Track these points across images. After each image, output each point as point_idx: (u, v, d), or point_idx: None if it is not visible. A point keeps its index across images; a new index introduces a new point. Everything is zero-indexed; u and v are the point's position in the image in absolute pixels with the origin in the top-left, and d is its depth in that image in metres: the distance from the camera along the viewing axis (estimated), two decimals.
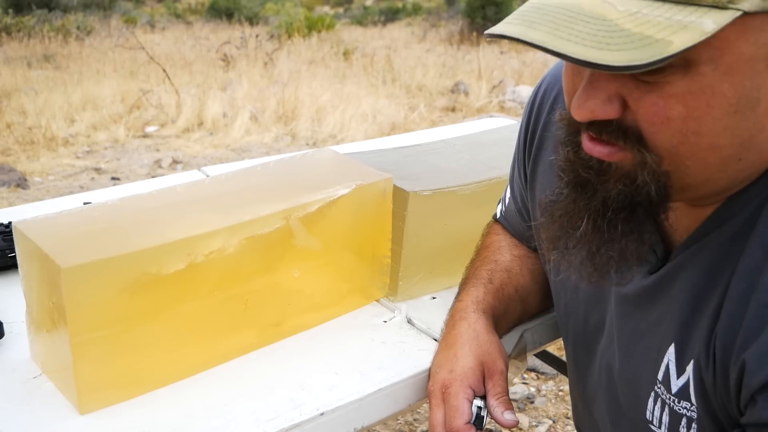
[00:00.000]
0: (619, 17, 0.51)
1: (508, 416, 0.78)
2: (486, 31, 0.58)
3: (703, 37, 0.49)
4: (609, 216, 0.61)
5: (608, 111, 0.57)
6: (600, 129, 0.59)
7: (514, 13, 0.58)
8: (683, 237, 0.67)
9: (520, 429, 2.10)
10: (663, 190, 0.59)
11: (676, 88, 0.54)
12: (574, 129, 0.63)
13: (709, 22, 0.49)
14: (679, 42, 0.49)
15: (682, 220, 0.67)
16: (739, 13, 0.50)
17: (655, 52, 0.49)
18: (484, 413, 0.78)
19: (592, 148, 0.60)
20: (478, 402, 0.78)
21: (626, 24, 0.51)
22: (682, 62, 0.53)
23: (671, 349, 0.67)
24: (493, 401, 0.79)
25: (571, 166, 0.64)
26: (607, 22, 0.51)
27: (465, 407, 0.77)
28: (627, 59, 0.49)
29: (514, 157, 0.95)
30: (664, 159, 0.57)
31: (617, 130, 0.58)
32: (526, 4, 0.58)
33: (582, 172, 0.62)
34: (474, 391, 0.79)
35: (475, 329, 0.84)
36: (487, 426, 0.80)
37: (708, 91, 0.53)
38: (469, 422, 0.77)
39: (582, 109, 0.58)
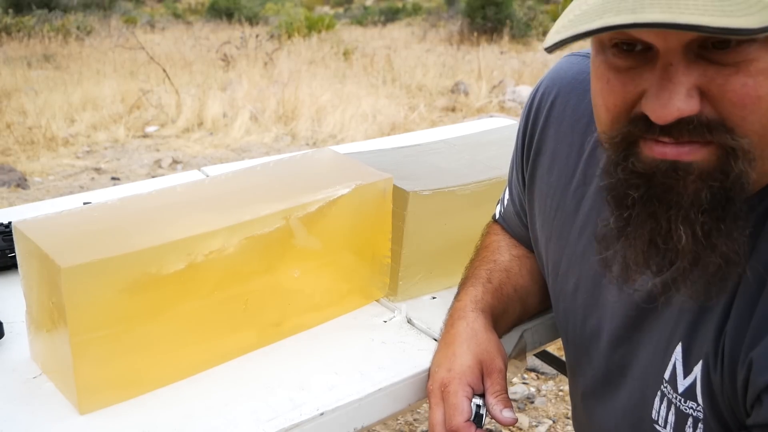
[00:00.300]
0: None
1: (507, 414, 0.77)
2: (569, 33, 0.52)
3: None
4: (702, 220, 0.56)
5: (692, 105, 0.54)
6: (680, 130, 0.55)
7: (585, 11, 0.53)
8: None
9: (520, 429, 2.09)
10: (751, 178, 0.56)
11: (763, 63, 0.52)
12: (628, 143, 0.59)
13: None
14: None
15: None
16: None
17: None
18: (483, 411, 0.78)
19: (663, 150, 0.56)
20: (477, 400, 0.78)
21: None
22: (764, 38, 0.51)
23: (678, 348, 0.67)
24: (491, 399, 0.79)
25: (641, 178, 0.58)
26: None
27: (464, 405, 0.77)
28: (761, 21, 0.47)
29: (513, 160, 0.95)
30: (753, 142, 0.55)
31: (699, 126, 0.55)
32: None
33: (660, 180, 0.57)
34: (473, 389, 0.79)
35: (473, 328, 0.84)
36: (488, 426, 0.80)
37: None
38: (468, 420, 0.77)
39: (667, 109, 0.54)
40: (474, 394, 0.79)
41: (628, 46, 0.57)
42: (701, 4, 0.48)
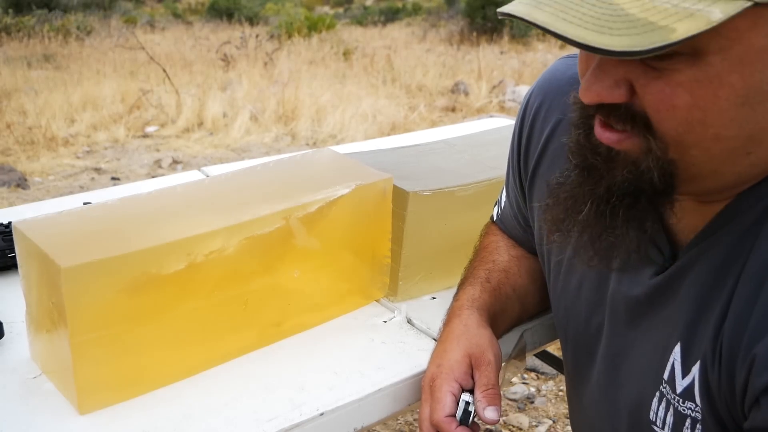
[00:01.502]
0: (626, 1, 0.51)
1: (489, 414, 0.76)
2: (498, 9, 0.58)
3: (708, 26, 0.48)
4: (613, 202, 0.62)
5: (614, 95, 0.57)
6: (608, 113, 0.59)
7: None
8: (690, 237, 0.66)
9: (520, 429, 2.09)
10: (667, 178, 0.59)
11: (683, 76, 0.53)
12: (588, 112, 0.63)
13: (716, 12, 0.48)
14: (683, 30, 0.48)
15: (689, 219, 0.67)
16: (749, 4, 0.48)
17: (657, 38, 0.48)
18: (471, 409, 0.77)
19: (602, 134, 0.61)
20: (466, 397, 0.77)
21: (632, 9, 0.50)
22: (690, 50, 0.52)
23: (677, 349, 0.67)
24: (479, 394, 0.78)
25: (580, 150, 0.64)
26: (612, 6, 0.51)
27: (447, 400, 0.77)
28: (627, 44, 0.49)
29: (509, 163, 0.95)
30: (669, 146, 0.57)
31: (625, 114, 0.58)
32: None
33: (590, 157, 0.63)
34: (461, 384, 0.79)
35: (466, 324, 0.84)
36: (487, 426, 0.80)
37: (716, 81, 0.53)
38: (451, 415, 0.76)
39: (589, 92, 0.58)
40: (464, 390, 0.78)
41: None
42: (590, 15, 0.51)
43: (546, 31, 0.52)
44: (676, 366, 0.67)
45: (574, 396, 0.90)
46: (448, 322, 0.86)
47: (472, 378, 0.80)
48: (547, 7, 0.53)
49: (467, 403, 0.77)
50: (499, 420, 0.78)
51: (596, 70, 0.57)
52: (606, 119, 0.60)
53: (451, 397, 0.77)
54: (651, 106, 0.56)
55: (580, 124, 0.64)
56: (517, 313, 0.95)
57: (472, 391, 0.79)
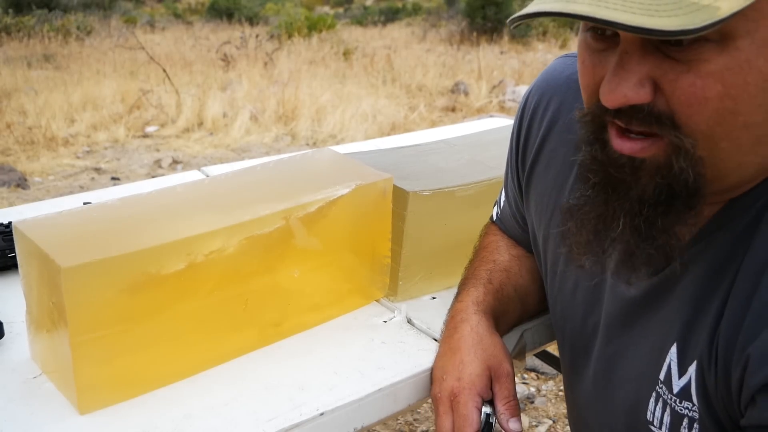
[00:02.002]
0: None
1: (513, 425, 0.78)
2: (517, 14, 0.56)
3: (748, 2, 0.48)
4: (646, 213, 0.60)
5: (641, 95, 0.55)
6: (630, 116, 0.57)
7: None
8: (686, 238, 0.66)
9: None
10: (699, 178, 0.58)
11: (714, 65, 0.53)
12: (599, 125, 0.61)
13: None
14: (726, 7, 0.48)
15: None
16: None
17: (706, 16, 0.48)
18: (492, 420, 0.78)
19: (622, 145, 0.59)
20: (486, 409, 0.78)
21: None
22: (720, 37, 0.52)
23: (673, 349, 0.67)
24: (500, 407, 0.79)
25: (600, 166, 0.62)
26: None
27: (474, 416, 0.77)
28: (680, 24, 0.48)
29: (507, 163, 0.95)
30: (699, 142, 0.56)
31: (649, 116, 0.56)
32: None
33: (614, 172, 0.60)
34: (482, 397, 0.79)
35: (478, 332, 0.83)
36: None
37: (746, 66, 0.52)
38: (478, 430, 0.77)
39: (614, 94, 0.56)
40: (483, 402, 0.79)
41: (599, 31, 0.59)
42: (631, 0, 0.50)
43: (591, 21, 0.50)
44: (672, 366, 0.67)
45: (570, 395, 0.91)
46: (455, 326, 0.86)
47: (492, 389, 0.81)
48: (582, 0, 0.51)
49: (488, 415, 0.78)
50: (522, 430, 0.78)
51: (618, 71, 0.56)
52: (627, 124, 0.58)
53: (477, 413, 0.77)
54: (682, 101, 0.55)
55: (593, 139, 0.62)
56: (519, 313, 0.95)
57: (490, 402, 0.79)
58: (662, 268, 0.68)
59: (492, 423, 0.77)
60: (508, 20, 0.58)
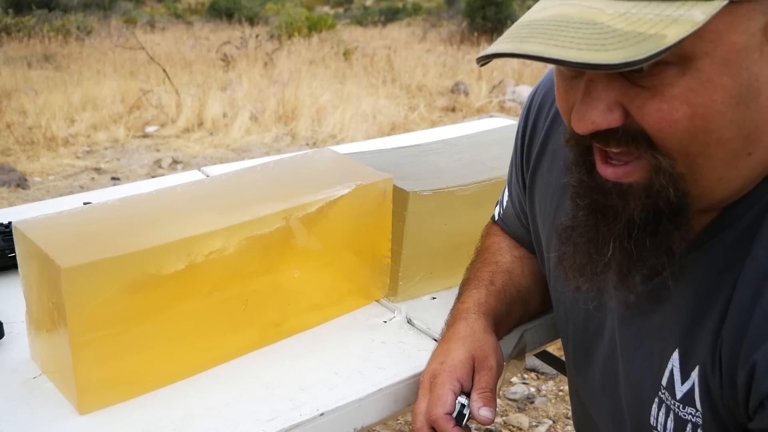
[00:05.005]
0: (609, 19, 0.51)
1: (484, 412, 0.77)
2: (478, 55, 0.58)
3: (695, 28, 0.49)
4: (635, 235, 0.61)
5: (610, 120, 0.57)
6: (606, 139, 0.58)
7: (503, 35, 0.58)
8: (683, 244, 0.66)
9: (520, 429, 2.09)
10: (681, 195, 0.59)
11: (678, 88, 0.54)
12: (584, 148, 0.62)
13: (698, 14, 0.49)
14: (673, 34, 0.49)
15: None
16: (725, 2, 0.50)
17: (652, 46, 0.49)
18: (466, 411, 0.77)
19: (605, 171, 0.60)
20: (462, 399, 0.77)
21: (618, 24, 0.51)
22: (679, 60, 0.53)
23: (675, 355, 0.67)
24: (475, 395, 0.78)
25: (587, 191, 0.63)
26: (598, 25, 0.51)
27: (449, 398, 0.77)
28: (625, 56, 0.49)
29: (512, 161, 0.95)
30: (677, 160, 0.57)
31: (624, 136, 0.57)
32: (513, 26, 0.58)
33: (601, 198, 0.62)
34: (462, 385, 0.79)
35: (473, 328, 0.84)
36: (487, 426, 0.80)
37: (709, 85, 0.53)
38: (449, 414, 0.76)
39: (583, 122, 0.57)
40: (462, 392, 0.78)
41: None
42: (579, 37, 0.51)
43: (540, 60, 0.52)
44: (675, 372, 0.67)
45: (575, 395, 0.91)
46: (453, 323, 0.86)
47: (472, 380, 0.80)
48: (533, 39, 0.53)
49: (462, 406, 0.77)
50: (493, 420, 0.78)
51: (586, 98, 0.57)
52: (606, 146, 0.59)
53: (452, 396, 0.77)
54: (652, 126, 0.56)
55: (580, 162, 0.63)
56: (521, 314, 0.95)
57: (469, 394, 0.79)
58: (596, 277, 0.68)
59: (465, 414, 0.77)
60: (476, 59, 0.59)
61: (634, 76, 0.55)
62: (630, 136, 0.57)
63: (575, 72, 0.60)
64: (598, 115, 0.57)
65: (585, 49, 0.50)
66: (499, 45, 0.56)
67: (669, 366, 0.67)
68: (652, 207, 0.59)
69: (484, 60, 0.57)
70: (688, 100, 0.54)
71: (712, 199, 0.61)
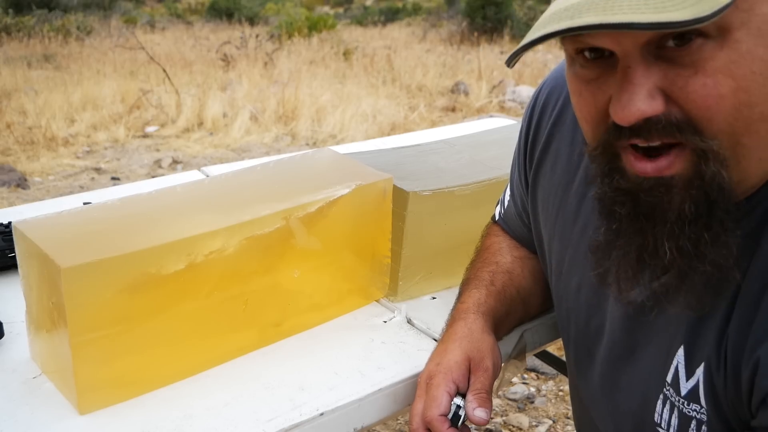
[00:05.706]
0: None
1: (478, 413, 0.76)
2: (523, 42, 0.54)
3: None
4: (689, 232, 0.57)
5: (654, 106, 0.54)
6: (649, 131, 0.55)
7: (542, 19, 0.55)
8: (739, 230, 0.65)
9: (520, 429, 2.09)
10: (729, 180, 0.56)
11: (719, 61, 0.52)
12: (611, 155, 0.60)
13: None
14: None
15: None
16: None
17: (712, 4, 0.48)
18: (462, 413, 0.77)
19: (645, 167, 0.57)
20: (458, 400, 0.78)
21: None
22: (717, 32, 0.52)
23: (680, 351, 0.66)
24: (470, 396, 0.78)
25: (627, 195, 0.59)
26: None
27: (443, 399, 0.77)
28: (692, 14, 0.47)
29: (514, 161, 0.95)
30: (723, 143, 0.55)
31: (668, 125, 0.55)
32: (547, 13, 0.55)
33: (645, 197, 0.58)
34: (458, 386, 0.79)
35: (470, 328, 0.84)
36: (487, 426, 0.79)
37: (748, 57, 0.52)
38: (444, 415, 0.76)
39: (628, 110, 0.54)
40: (458, 393, 0.78)
41: (590, 53, 0.58)
42: (635, 3, 0.49)
43: (605, 28, 0.49)
44: (680, 368, 0.67)
45: (576, 393, 0.90)
46: (452, 323, 0.86)
47: (469, 381, 0.80)
48: (586, 14, 0.51)
49: (458, 407, 0.77)
50: (488, 421, 0.78)
51: (627, 85, 0.54)
52: (647, 140, 0.56)
53: (447, 397, 0.77)
54: (698, 104, 0.54)
55: (609, 170, 0.60)
56: (521, 315, 0.95)
57: (465, 395, 0.79)
58: (656, 282, 0.66)
59: (461, 416, 0.77)
60: (515, 51, 0.56)
61: (673, 54, 0.54)
62: (674, 124, 0.55)
63: (599, 71, 0.58)
64: (642, 101, 0.54)
65: (648, 12, 0.48)
66: (549, 25, 0.53)
67: (674, 362, 0.67)
68: (702, 198, 0.56)
69: (527, 48, 0.54)
70: (731, 73, 0.52)
71: (746, 184, 0.59)
